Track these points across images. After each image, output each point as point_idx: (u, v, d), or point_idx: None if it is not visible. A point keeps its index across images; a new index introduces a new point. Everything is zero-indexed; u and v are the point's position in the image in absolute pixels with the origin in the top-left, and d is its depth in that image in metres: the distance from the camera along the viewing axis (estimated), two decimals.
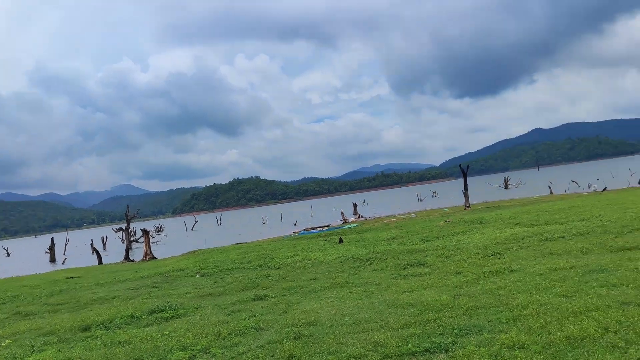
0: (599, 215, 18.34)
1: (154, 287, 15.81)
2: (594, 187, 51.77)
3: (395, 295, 9.31)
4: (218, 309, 10.40)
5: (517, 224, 20.28)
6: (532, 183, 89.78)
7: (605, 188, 46.57)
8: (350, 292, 10.27)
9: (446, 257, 13.24)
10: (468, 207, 40.77)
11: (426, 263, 12.63)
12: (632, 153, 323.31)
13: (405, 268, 12.52)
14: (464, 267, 11.27)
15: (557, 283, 8.26)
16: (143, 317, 10.29)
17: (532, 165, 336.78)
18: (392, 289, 10.01)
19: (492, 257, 12.22)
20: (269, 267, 16.45)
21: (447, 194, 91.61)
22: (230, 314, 9.67)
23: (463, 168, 45.64)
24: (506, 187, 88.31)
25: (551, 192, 53.42)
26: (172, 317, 10.07)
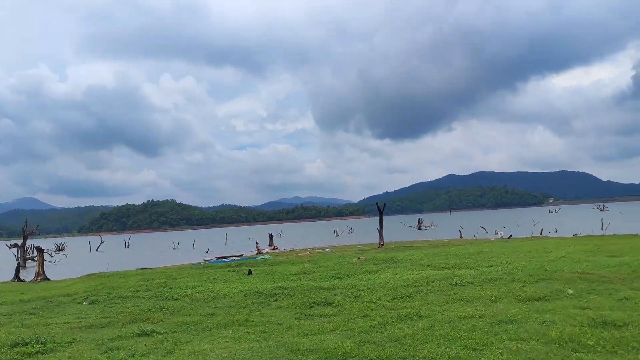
0: (506, 263, 18.61)
1: (31, 313, 13.98)
2: (501, 234, 53.93)
3: (296, 338, 8.47)
4: (95, 344, 9.07)
5: (428, 265, 20.21)
6: (443, 226, 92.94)
7: (511, 236, 48.54)
8: (248, 332, 9.30)
9: (355, 297, 12.60)
10: (382, 245, 40.95)
11: (334, 303, 11.91)
12: (535, 204, 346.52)
13: (311, 307, 11.72)
14: (372, 310, 10.65)
15: (466, 333, 7.79)
16: (2, 351, 8.77)
17: (444, 209, 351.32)
18: (293, 331, 9.16)
19: (401, 299, 11.72)
20: (166, 298, 15.09)
21: (363, 231, 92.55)
22: (106, 352, 8.41)
23: (380, 206, 46.03)
24: (419, 228, 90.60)
25: (461, 236, 55.05)
26: (37, 352, 8.64)
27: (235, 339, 8.81)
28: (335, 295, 13.04)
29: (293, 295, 13.39)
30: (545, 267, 15.89)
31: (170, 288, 17.02)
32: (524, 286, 12.12)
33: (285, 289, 14.60)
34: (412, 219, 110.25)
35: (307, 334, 8.76)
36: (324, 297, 12.61)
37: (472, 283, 13.22)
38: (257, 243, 55.55)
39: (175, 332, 9.88)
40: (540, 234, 52.91)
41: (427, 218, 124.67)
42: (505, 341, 7.15)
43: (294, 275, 20.18)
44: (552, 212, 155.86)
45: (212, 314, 11.71)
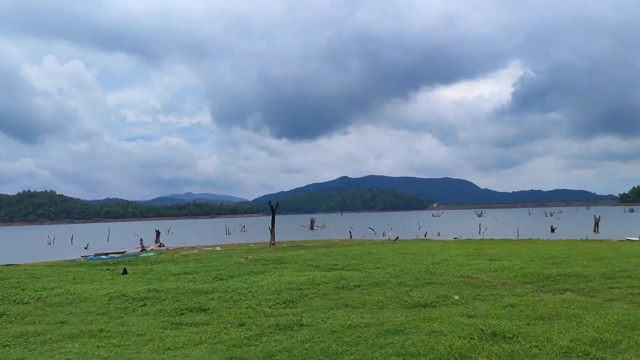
0: (394, 265, 18.42)
1: None
2: (388, 235, 55.27)
3: (154, 354, 7.19)
4: None
5: (316, 266, 19.58)
6: (335, 226, 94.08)
7: (397, 237, 49.80)
8: (99, 346, 7.84)
9: (234, 301, 11.45)
10: (273, 244, 40.11)
11: (209, 308, 10.66)
12: (420, 208, 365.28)
13: (182, 314, 10.39)
14: (249, 317, 9.57)
15: (349, 347, 6.98)
16: None
17: (337, 210, 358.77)
18: (154, 344, 7.84)
19: (284, 305, 10.77)
20: (14, 301, 12.92)
21: (256, 230, 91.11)
22: None
23: (273, 205, 45.14)
24: (312, 228, 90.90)
25: (351, 237, 55.62)
26: None
27: (79, 355, 7.33)
28: (212, 299, 11.80)
29: (164, 300, 11.95)
30: (431, 270, 15.79)
31: (23, 289, 14.74)
32: (410, 291, 11.71)
33: (158, 291, 13.10)
34: (305, 219, 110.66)
35: (169, 349, 7.50)
36: (199, 302, 11.33)
37: (359, 287, 12.62)
38: (141, 240, 52.23)
39: (6, 346, 8.13)
40: (425, 236, 54.85)
41: (320, 218, 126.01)
42: (392, 357, 6.42)
43: (173, 275, 18.57)
44: (435, 216, 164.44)
45: (62, 322, 9.98)
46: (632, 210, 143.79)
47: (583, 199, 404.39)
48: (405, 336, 7.45)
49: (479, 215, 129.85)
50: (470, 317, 8.68)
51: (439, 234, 58.74)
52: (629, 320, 7.90)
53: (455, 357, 6.24)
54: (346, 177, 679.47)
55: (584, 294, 10.76)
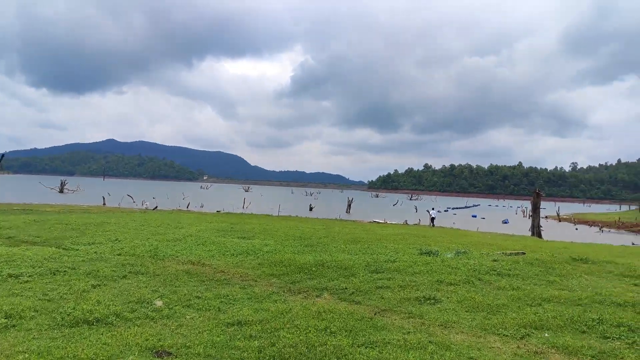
0: (116, 240, 14.02)
1: None
2: (147, 205, 50.53)
3: None
4: None
5: None
6: (92, 191, 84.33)
7: (157, 207, 45.19)
8: None
9: None
10: None
11: None
12: (191, 179, 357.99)
13: None
14: None
15: None
16: None
17: (99, 174, 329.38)
18: None
19: None
20: None
21: None
22: None
23: None
24: (61, 191, 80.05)
25: (104, 204, 49.07)
26: None
27: None
28: None
29: None
30: (158, 250, 11.75)
31: None
32: (91, 290, 7.38)
33: None
34: (57, 181, 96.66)
35: None
36: None
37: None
38: None
39: None
40: (187, 207, 51.09)
41: (77, 181, 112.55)
42: None
43: None
44: (204, 188, 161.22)
45: None
46: (377, 196, 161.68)
47: (339, 182, 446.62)
48: None
49: (246, 190, 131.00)
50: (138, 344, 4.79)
51: (202, 206, 55.44)
52: None
53: None
54: (114, 140, 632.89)
55: (347, 299, 7.86)
